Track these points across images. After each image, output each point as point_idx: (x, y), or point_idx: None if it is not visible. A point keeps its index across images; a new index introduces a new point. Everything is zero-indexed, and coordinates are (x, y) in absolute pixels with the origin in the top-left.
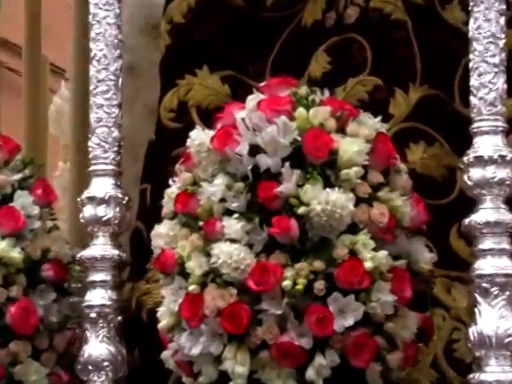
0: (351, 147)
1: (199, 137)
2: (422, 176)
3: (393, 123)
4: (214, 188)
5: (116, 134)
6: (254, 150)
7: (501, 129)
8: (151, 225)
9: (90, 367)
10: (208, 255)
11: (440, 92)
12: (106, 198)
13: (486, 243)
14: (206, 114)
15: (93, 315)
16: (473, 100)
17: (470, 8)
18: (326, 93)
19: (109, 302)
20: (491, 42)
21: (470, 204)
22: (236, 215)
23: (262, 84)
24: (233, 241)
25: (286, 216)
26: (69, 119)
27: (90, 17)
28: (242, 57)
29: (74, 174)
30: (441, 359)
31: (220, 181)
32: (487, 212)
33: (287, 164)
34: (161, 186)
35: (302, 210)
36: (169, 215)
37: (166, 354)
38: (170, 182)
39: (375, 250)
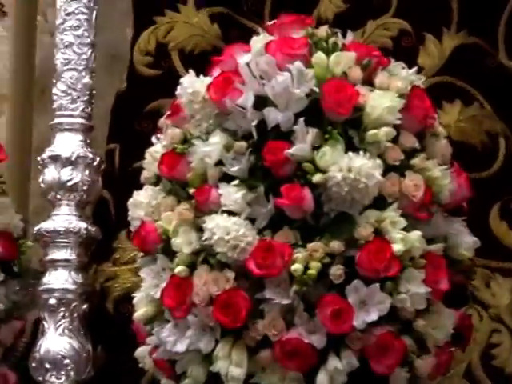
0: (381, 102)
1: (192, 84)
2: (457, 143)
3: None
4: (209, 147)
5: (87, 79)
6: (261, 102)
7: None
8: (120, 194)
9: (46, 365)
10: (200, 230)
11: (480, 40)
12: (73, 159)
13: None
14: (190, 58)
15: (52, 302)
16: None
17: None
18: (350, 35)
19: (72, 286)
20: None
21: None
22: (236, 182)
23: (269, 23)
24: (231, 213)
25: (297, 184)
26: (7, 63)
27: None
28: None
29: (13, 132)
30: (477, 367)
31: (217, 139)
32: None
33: (301, 120)
34: (133, 145)
35: (317, 177)
36: (151, 180)
37: (141, 351)
38: (153, 139)
39: (406, 229)
